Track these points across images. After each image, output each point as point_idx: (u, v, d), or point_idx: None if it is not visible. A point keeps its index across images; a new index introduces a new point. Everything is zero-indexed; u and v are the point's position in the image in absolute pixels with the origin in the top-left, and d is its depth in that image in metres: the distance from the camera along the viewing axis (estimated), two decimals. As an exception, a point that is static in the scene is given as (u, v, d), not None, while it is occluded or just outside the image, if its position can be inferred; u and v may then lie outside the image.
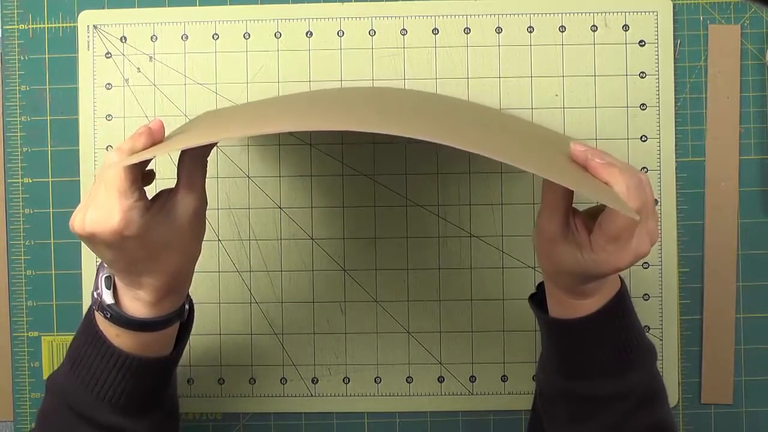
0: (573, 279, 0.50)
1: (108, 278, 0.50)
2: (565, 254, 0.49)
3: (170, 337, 0.52)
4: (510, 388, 0.64)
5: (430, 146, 0.62)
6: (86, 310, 0.52)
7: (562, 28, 0.64)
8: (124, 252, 0.47)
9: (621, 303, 0.52)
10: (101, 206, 0.47)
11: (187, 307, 0.53)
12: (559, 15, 0.64)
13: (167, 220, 0.48)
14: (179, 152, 0.51)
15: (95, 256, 0.64)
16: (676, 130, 0.64)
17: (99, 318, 0.50)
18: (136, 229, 0.47)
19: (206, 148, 0.51)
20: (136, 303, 0.50)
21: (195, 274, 0.52)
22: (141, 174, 0.49)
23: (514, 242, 0.64)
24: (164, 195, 0.50)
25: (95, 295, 0.50)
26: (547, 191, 0.50)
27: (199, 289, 0.64)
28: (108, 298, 0.49)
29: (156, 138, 0.50)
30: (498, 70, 0.64)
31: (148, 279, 0.49)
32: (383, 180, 0.64)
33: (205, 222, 0.51)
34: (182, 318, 0.52)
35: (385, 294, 0.64)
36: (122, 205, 0.46)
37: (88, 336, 0.50)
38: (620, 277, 0.53)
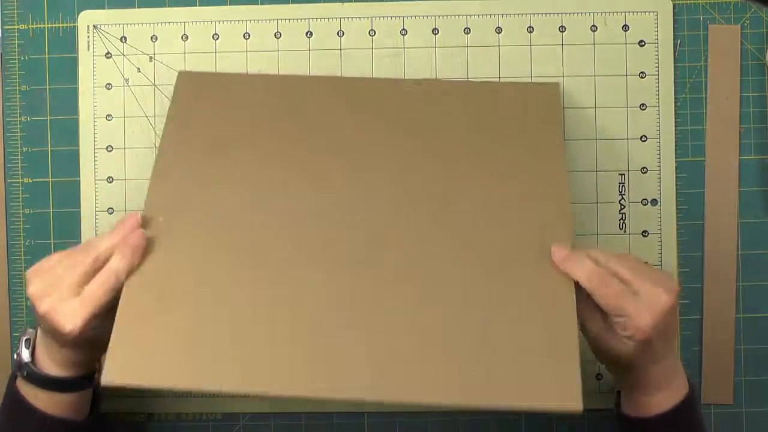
0: (619, 365, 0.54)
1: (27, 340, 0.54)
2: (606, 342, 0.53)
3: (85, 401, 0.55)
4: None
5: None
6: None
7: (562, 28, 0.64)
8: (55, 335, 0.51)
9: (685, 410, 0.54)
10: (65, 301, 0.50)
11: (96, 375, 0.56)
12: (559, 15, 0.64)
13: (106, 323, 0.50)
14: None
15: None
16: (676, 130, 0.64)
17: (19, 382, 0.53)
18: (80, 331, 0.50)
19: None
20: (52, 363, 0.53)
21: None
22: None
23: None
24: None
25: (15, 356, 0.54)
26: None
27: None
28: (26, 356, 0.53)
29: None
30: (498, 70, 0.64)
31: (66, 350, 0.52)
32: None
33: None
34: (92, 384, 0.55)
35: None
36: (85, 316, 0.49)
37: (9, 402, 0.54)
38: (691, 383, 0.55)
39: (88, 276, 0.50)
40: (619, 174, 0.64)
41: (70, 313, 0.49)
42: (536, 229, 0.55)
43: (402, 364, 0.52)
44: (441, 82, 0.64)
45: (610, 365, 0.55)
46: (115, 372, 0.49)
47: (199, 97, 0.61)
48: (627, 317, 0.50)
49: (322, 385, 0.51)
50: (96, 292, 0.50)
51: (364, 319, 0.54)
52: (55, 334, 0.51)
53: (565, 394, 0.49)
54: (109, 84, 0.65)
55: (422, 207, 0.57)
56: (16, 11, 0.66)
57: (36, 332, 0.54)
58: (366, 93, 0.62)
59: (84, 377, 0.54)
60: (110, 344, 0.49)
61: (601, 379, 0.64)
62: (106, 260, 0.51)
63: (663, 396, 0.54)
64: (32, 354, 0.53)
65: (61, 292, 0.50)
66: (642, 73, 0.64)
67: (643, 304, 0.50)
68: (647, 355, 0.52)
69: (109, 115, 0.65)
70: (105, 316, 0.50)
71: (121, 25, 0.65)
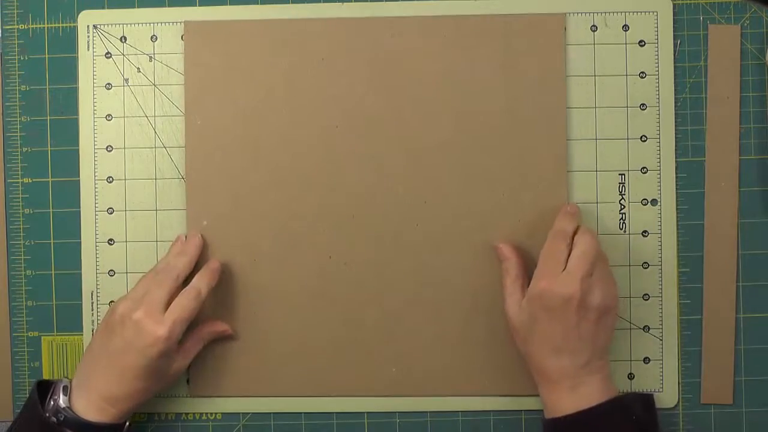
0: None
1: (65, 387, 0.58)
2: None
3: None
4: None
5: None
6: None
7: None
8: (135, 353, 0.57)
9: (588, 420, 0.55)
10: (156, 311, 0.57)
11: (127, 423, 0.60)
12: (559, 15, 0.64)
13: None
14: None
15: (96, 256, 0.65)
16: (676, 130, 0.64)
17: (52, 425, 0.57)
18: (171, 345, 0.57)
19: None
20: (88, 408, 0.57)
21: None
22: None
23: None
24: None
25: (51, 402, 0.57)
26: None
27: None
28: (63, 402, 0.57)
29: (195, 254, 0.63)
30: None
31: (118, 384, 0.57)
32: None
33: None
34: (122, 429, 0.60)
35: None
36: (173, 321, 0.57)
37: None
38: (617, 398, 0.57)
39: (172, 293, 0.59)
40: (619, 174, 0.64)
41: (162, 320, 0.57)
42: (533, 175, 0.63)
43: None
44: (442, 20, 0.65)
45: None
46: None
47: (212, 51, 0.65)
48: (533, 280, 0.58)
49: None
50: (181, 305, 0.58)
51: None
52: (144, 345, 0.57)
53: None
54: (109, 84, 0.65)
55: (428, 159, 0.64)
56: (16, 11, 0.66)
57: (71, 382, 0.59)
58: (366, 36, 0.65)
59: (116, 425, 0.59)
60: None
61: (601, 379, 0.64)
62: (184, 277, 0.60)
63: (561, 397, 0.56)
64: (68, 400, 0.58)
65: (154, 305, 0.57)
66: (642, 73, 0.64)
67: (544, 281, 0.57)
68: (519, 337, 0.59)
69: (109, 115, 0.65)
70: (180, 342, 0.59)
71: (121, 25, 0.65)
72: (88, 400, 0.57)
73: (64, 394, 0.58)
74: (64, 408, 0.57)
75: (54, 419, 0.57)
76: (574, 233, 0.59)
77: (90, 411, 0.57)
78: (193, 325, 0.60)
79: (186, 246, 0.63)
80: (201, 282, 0.60)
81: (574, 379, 0.56)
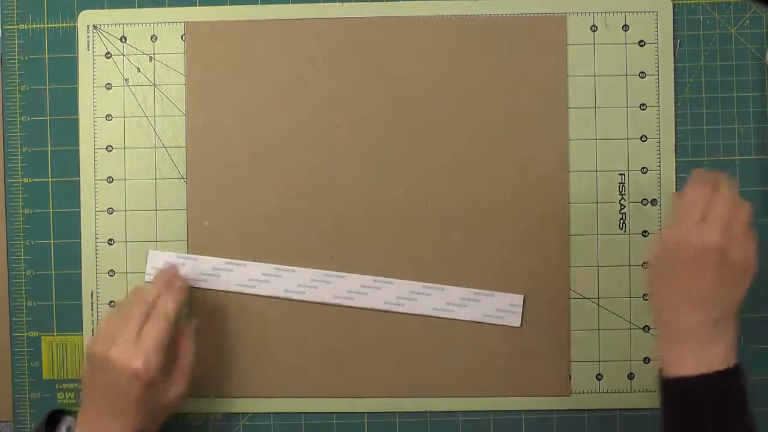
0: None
1: (69, 428, 0.60)
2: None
3: None
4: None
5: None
6: None
7: (562, 28, 0.65)
8: (120, 391, 0.55)
9: (707, 384, 0.52)
10: (128, 343, 0.56)
11: None
12: (560, 15, 0.64)
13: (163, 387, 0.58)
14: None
15: (96, 256, 0.65)
16: (676, 130, 0.64)
17: None
18: (151, 376, 0.55)
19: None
20: None
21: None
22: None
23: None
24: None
25: None
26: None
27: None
28: None
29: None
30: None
31: (117, 422, 0.56)
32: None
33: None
34: None
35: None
36: (147, 351, 0.55)
37: None
38: (735, 367, 0.53)
39: (143, 323, 0.57)
40: (619, 174, 0.64)
41: (135, 352, 0.55)
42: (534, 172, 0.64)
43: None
44: (443, 20, 0.65)
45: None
46: None
47: (213, 51, 0.65)
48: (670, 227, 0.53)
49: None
50: (151, 331, 0.56)
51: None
52: (125, 382, 0.55)
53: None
54: (109, 84, 0.65)
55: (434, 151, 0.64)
56: (16, 11, 0.66)
57: (76, 419, 0.58)
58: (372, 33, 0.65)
59: None
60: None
61: (601, 379, 0.64)
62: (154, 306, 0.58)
63: (684, 357, 0.52)
64: None
65: (124, 339, 0.56)
66: (642, 73, 0.64)
67: (681, 228, 0.52)
68: (650, 288, 0.55)
69: (109, 115, 0.65)
70: (162, 368, 0.56)
71: (121, 25, 0.65)
72: None
73: None
74: None
75: None
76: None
77: None
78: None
79: (158, 275, 0.61)
80: (166, 303, 0.58)
81: (700, 340, 0.52)
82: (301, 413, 0.65)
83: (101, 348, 0.56)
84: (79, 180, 0.65)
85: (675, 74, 0.64)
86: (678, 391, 0.52)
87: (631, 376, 0.64)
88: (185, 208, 0.65)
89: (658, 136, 0.64)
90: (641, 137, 0.64)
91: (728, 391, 0.52)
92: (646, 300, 0.64)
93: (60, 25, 0.66)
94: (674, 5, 0.64)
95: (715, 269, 0.52)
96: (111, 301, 0.65)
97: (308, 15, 0.65)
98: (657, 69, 0.64)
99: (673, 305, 0.53)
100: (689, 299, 0.52)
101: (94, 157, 0.65)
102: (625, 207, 0.64)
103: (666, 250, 0.54)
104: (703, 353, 0.52)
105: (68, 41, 0.66)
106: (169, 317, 0.57)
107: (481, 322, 0.64)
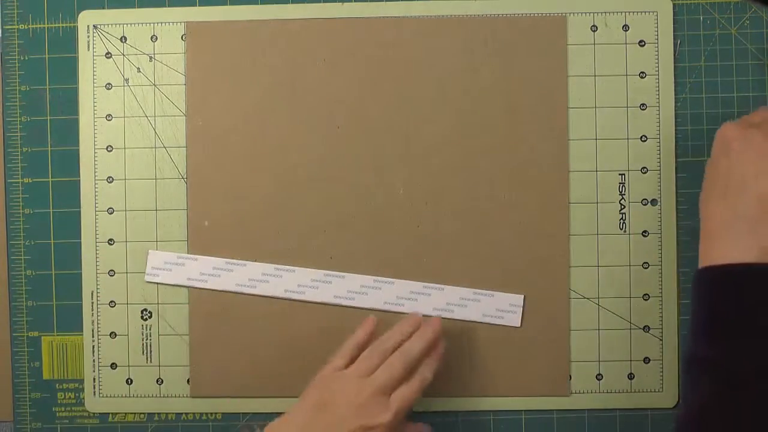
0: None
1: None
2: None
3: None
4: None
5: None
6: None
7: (562, 28, 0.65)
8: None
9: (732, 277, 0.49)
10: (383, 387, 0.55)
11: None
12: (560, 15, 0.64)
13: None
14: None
15: (96, 256, 0.65)
16: (676, 130, 0.64)
17: None
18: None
19: None
20: None
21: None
22: None
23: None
24: None
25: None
26: None
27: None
28: None
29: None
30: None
31: None
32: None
33: None
34: None
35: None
36: (401, 412, 0.55)
37: None
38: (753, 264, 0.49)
39: (402, 378, 0.56)
40: (619, 174, 0.64)
41: (387, 407, 0.55)
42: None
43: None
44: (443, 20, 0.65)
45: None
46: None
47: (213, 51, 0.65)
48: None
49: None
50: (408, 395, 0.56)
51: None
52: (360, 424, 0.54)
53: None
54: (109, 84, 0.65)
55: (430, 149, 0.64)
56: (16, 11, 0.66)
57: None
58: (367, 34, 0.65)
59: None
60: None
61: (601, 379, 0.64)
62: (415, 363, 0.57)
63: (714, 248, 0.50)
64: None
65: (381, 388, 0.55)
66: (642, 73, 0.64)
67: (735, 130, 0.52)
68: (708, 184, 0.53)
69: (109, 115, 0.65)
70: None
71: (121, 25, 0.65)
72: None
73: None
74: None
75: None
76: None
77: None
78: None
79: (424, 330, 0.59)
80: (429, 370, 0.58)
81: (733, 231, 0.50)
82: (301, 413, 0.65)
83: (353, 385, 0.55)
84: (79, 180, 0.65)
85: (675, 74, 0.64)
86: (714, 276, 0.50)
87: (631, 376, 0.64)
88: (185, 208, 0.65)
89: (658, 136, 0.64)
90: (641, 137, 0.64)
91: (762, 280, 0.48)
92: (647, 300, 0.64)
93: (60, 25, 0.66)
94: (674, 5, 0.64)
95: (756, 158, 0.50)
96: (111, 301, 0.65)
97: (308, 15, 0.65)
98: (657, 69, 0.64)
99: (709, 197, 0.52)
100: (721, 191, 0.51)
101: (94, 157, 0.65)
102: (625, 207, 0.64)
103: (716, 141, 0.53)
104: (736, 245, 0.49)
105: (68, 41, 0.66)
106: (426, 387, 0.57)
107: (481, 322, 0.64)
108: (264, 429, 0.56)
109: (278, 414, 0.65)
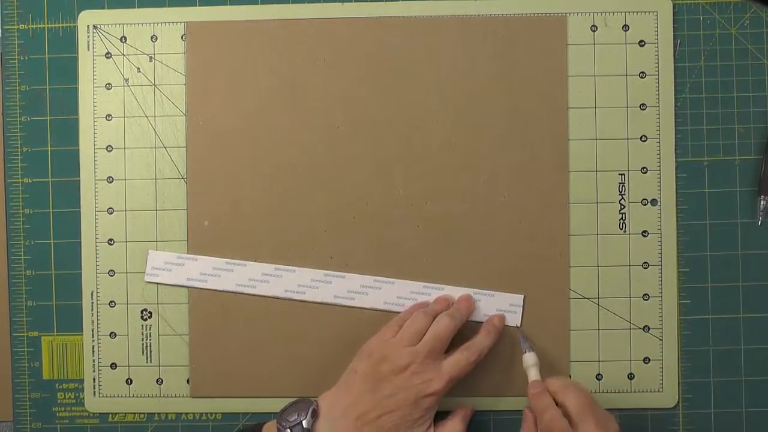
0: None
1: (314, 410, 0.56)
2: None
3: None
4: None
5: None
6: None
7: (562, 28, 0.65)
8: (409, 400, 0.56)
9: None
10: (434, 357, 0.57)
11: None
12: (559, 15, 0.64)
13: None
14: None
15: (96, 256, 0.65)
16: (676, 130, 0.64)
17: None
18: (441, 399, 0.58)
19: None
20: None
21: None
22: None
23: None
24: None
25: (294, 417, 0.55)
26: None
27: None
28: (306, 423, 0.55)
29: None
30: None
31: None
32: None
33: None
34: None
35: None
36: (454, 381, 0.58)
37: None
38: None
39: (446, 343, 0.58)
40: (619, 174, 0.64)
41: (440, 375, 0.57)
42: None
43: None
44: (443, 20, 0.65)
45: None
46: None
47: (213, 51, 0.65)
48: None
49: None
50: (461, 364, 0.58)
51: None
52: (415, 392, 0.56)
53: None
54: (109, 84, 0.65)
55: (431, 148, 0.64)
56: (16, 11, 0.66)
57: (319, 407, 0.57)
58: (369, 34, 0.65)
59: None
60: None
61: (601, 379, 0.64)
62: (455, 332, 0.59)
63: None
64: (312, 424, 0.56)
65: (432, 355, 0.57)
66: (642, 73, 0.64)
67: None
68: None
69: (109, 115, 0.65)
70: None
71: (121, 25, 0.65)
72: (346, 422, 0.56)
73: (312, 416, 0.56)
74: (306, 429, 0.55)
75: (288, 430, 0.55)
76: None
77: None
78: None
79: (460, 301, 0.63)
80: (485, 342, 0.60)
81: None
82: (301, 413, 0.65)
83: (404, 355, 0.57)
84: (79, 180, 0.65)
85: (675, 74, 0.64)
86: None
87: (631, 376, 0.64)
88: (185, 208, 0.65)
89: (658, 136, 0.64)
90: (641, 137, 0.64)
91: None
92: (647, 300, 0.64)
93: (60, 25, 0.66)
94: (674, 5, 0.64)
95: None
96: (111, 301, 0.65)
97: (308, 15, 0.65)
98: (657, 69, 0.64)
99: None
100: None
101: (94, 157, 0.65)
102: (625, 207, 0.64)
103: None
104: None
105: (68, 41, 0.66)
106: (481, 358, 0.59)
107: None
108: (317, 401, 0.57)
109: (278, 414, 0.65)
